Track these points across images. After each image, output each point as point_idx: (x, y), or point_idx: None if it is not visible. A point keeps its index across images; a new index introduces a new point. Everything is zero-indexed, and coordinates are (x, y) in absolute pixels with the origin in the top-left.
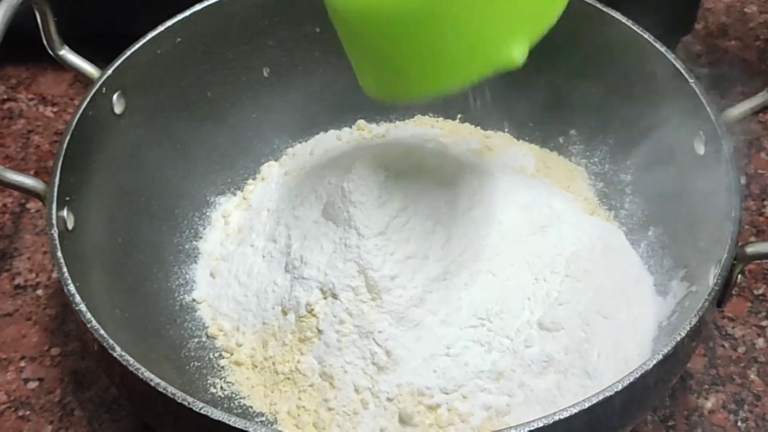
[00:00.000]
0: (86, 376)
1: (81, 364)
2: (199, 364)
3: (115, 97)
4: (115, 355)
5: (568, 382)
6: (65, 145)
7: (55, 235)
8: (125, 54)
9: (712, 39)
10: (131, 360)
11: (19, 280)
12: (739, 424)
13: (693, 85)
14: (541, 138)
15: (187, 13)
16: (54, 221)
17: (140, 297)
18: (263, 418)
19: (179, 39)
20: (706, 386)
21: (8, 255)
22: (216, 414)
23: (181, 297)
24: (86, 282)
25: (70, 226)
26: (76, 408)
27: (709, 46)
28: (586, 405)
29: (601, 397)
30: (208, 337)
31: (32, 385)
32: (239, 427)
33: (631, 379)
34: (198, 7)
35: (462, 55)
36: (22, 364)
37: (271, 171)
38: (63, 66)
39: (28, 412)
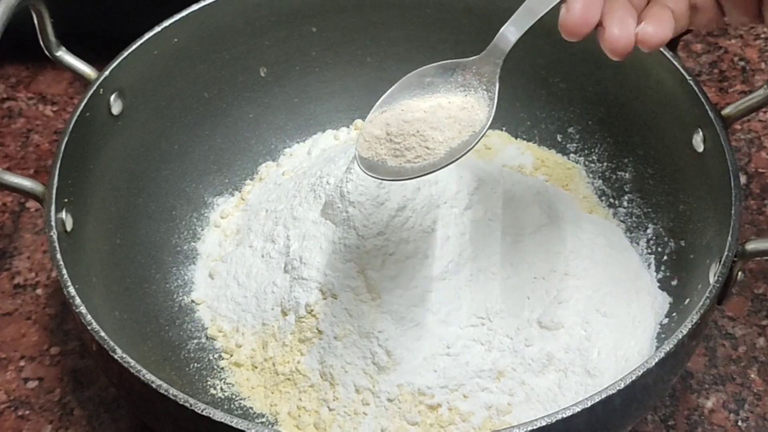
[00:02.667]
0: (86, 375)
1: (80, 364)
2: (199, 365)
3: (112, 98)
4: (116, 357)
5: (569, 380)
6: (63, 147)
7: (55, 238)
8: (122, 55)
9: (713, 38)
10: (132, 362)
11: (18, 280)
12: (740, 423)
13: (691, 82)
14: (539, 136)
15: (184, 13)
16: (53, 223)
17: (139, 298)
18: (264, 419)
19: (176, 39)
20: (707, 386)
21: (8, 254)
22: (218, 415)
23: (180, 298)
24: (85, 284)
25: (68, 228)
26: (75, 407)
27: (709, 44)
28: (589, 404)
29: (602, 396)
30: (207, 338)
31: (32, 384)
32: (241, 428)
33: (633, 378)
34: (194, 7)
35: None
36: (22, 363)
37: (269, 171)
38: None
39: (27, 412)
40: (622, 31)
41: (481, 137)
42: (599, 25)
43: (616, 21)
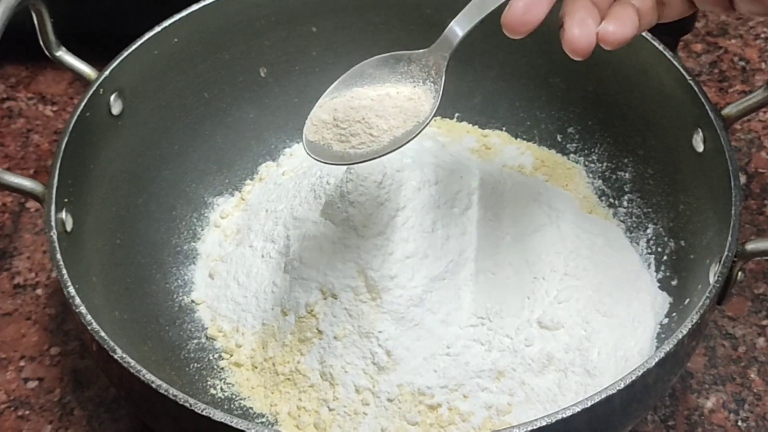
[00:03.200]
0: (86, 375)
1: (80, 364)
2: (199, 365)
3: (112, 98)
4: (116, 357)
5: (569, 380)
6: (63, 147)
7: (55, 237)
8: (122, 55)
9: (713, 37)
10: (132, 362)
11: (18, 280)
12: (740, 423)
13: (692, 82)
14: (539, 136)
15: (184, 13)
16: (53, 223)
17: (139, 298)
18: (264, 419)
19: (176, 39)
20: (707, 386)
21: (8, 254)
22: (218, 415)
23: (180, 298)
24: (85, 283)
25: (69, 227)
26: (75, 407)
27: (709, 44)
28: (588, 404)
29: (602, 396)
30: (207, 338)
31: (32, 384)
32: (240, 428)
33: (633, 378)
34: (195, 7)
35: None
36: (22, 363)
37: (269, 171)
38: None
39: (27, 412)
40: (582, 32)
41: (424, 127)
42: (560, 26)
43: (576, 22)
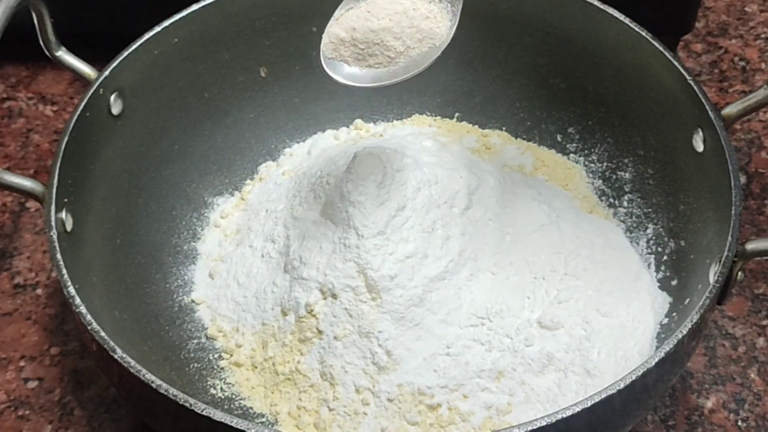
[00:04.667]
0: (86, 375)
1: (80, 364)
2: (199, 365)
3: (112, 98)
4: (116, 357)
5: (569, 380)
6: (63, 147)
7: (55, 237)
8: (122, 54)
9: (713, 37)
10: (132, 362)
11: (18, 280)
12: (740, 423)
13: (691, 82)
14: (539, 136)
15: (184, 13)
16: (53, 223)
17: (139, 298)
18: (264, 419)
19: (176, 39)
20: (707, 386)
21: (8, 254)
22: (218, 415)
23: (180, 298)
24: (86, 283)
25: (69, 227)
26: (75, 407)
27: (709, 44)
28: (589, 404)
29: (602, 396)
30: (207, 338)
31: (32, 384)
32: (240, 428)
33: (633, 378)
34: (195, 7)
35: None
36: (22, 363)
37: (269, 171)
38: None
39: (27, 412)
40: None
41: (439, 52)
42: None
43: None
